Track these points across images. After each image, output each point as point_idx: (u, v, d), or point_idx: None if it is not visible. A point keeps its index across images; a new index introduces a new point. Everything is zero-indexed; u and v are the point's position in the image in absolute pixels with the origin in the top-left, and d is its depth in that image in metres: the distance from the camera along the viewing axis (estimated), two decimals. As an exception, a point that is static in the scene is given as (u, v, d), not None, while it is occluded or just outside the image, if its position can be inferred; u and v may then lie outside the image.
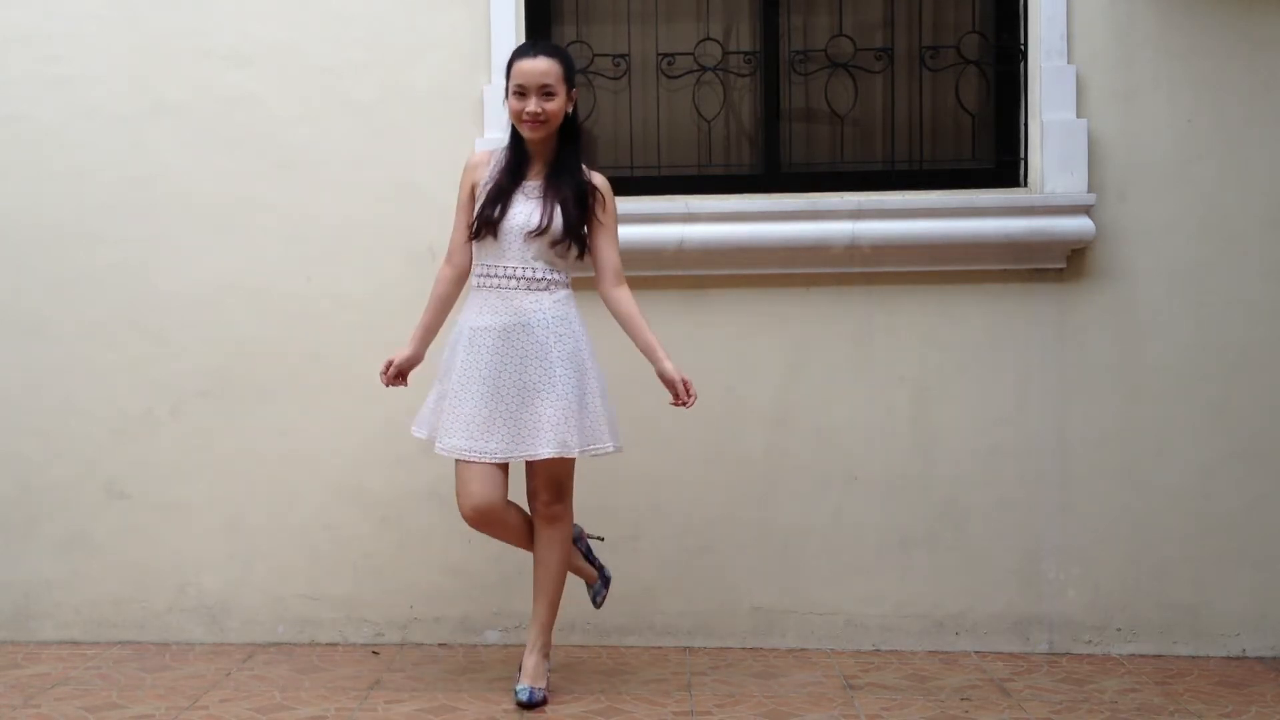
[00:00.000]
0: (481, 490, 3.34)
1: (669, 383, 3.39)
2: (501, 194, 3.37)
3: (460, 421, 3.34)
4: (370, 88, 4.01)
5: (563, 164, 3.40)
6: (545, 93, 3.33)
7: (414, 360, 3.52)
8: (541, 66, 3.33)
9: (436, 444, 3.38)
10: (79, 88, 4.03)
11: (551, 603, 3.48)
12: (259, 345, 4.03)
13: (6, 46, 4.04)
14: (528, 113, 3.33)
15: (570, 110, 3.41)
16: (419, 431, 3.48)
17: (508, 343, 3.34)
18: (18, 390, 4.07)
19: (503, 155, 3.46)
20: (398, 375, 3.50)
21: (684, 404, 3.40)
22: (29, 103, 4.04)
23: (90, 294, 4.05)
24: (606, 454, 3.39)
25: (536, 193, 3.38)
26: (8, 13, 4.04)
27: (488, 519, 3.39)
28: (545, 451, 3.31)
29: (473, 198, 3.45)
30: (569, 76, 3.38)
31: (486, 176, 3.43)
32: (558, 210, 3.34)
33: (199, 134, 4.03)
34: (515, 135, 3.45)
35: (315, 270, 4.03)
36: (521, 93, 3.34)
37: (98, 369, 4.05)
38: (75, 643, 4.05)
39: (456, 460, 3.36)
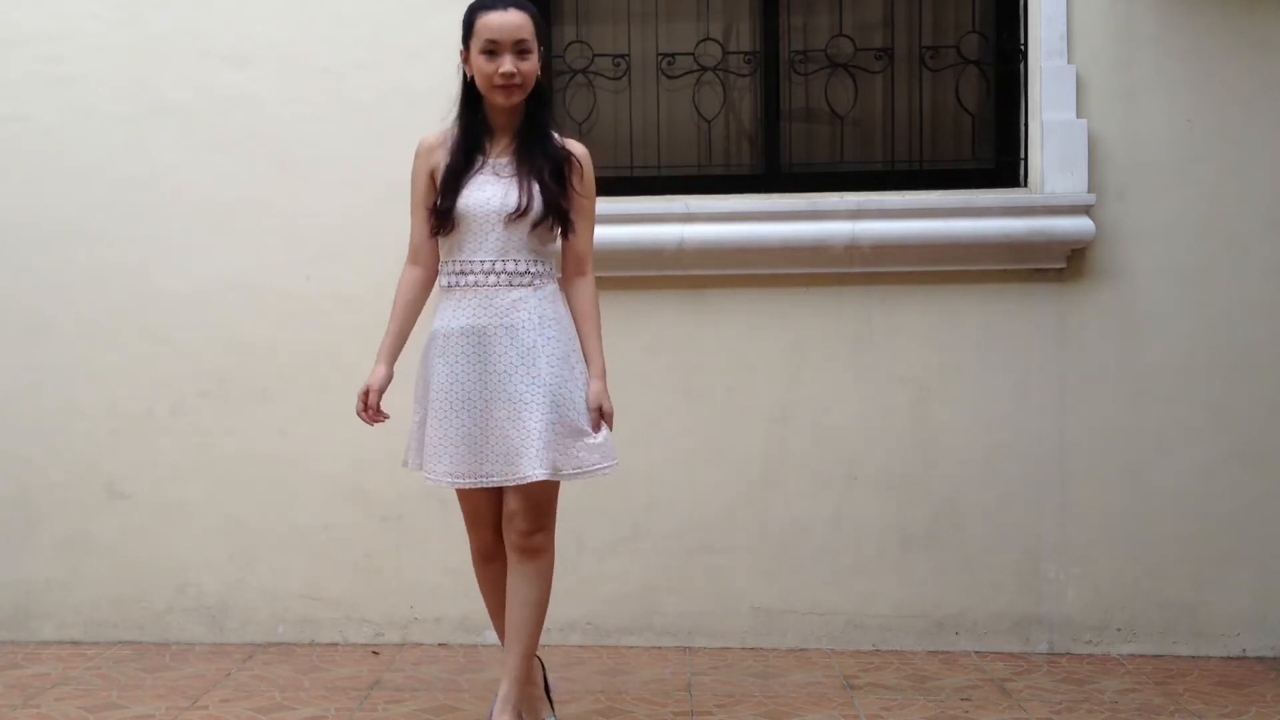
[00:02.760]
0: (490, 527, 3.03)
1: (591, 401, 2.97)
2: (458, 178, 2.93)
3: (449, 443, 2.92)
4: (370, 88, 4.01)
5: (533, 133, 2.96)
6: (521, 50, 2.88)
7: (388, 379, 3.05)
8: (515, 20, 2.89)
9: (425, 472, 2.97)
10: (79, 88, 4.03)
11: (528, 651, 2.99)
12: (259, 345, 4.03)
13: (6, 46, 4.04)
14: (502, 74, 2.87)
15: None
16: (412, 462, 3.07)
17: (488, 347, 2.92)
18: (18, 390, 4.07)
19: (454, 132, 3.01)
20: (378, 408, 3.04)
21: (593, 432, 2.96)
22: (29, 103, 4.04)
23: (90, 294, 4.05)
24: (602, 474, 2.98)
25: (508, 170, 2.94)
26: (8, 13, 4.04)
27: (498, 555, 3.06)
28: (536, 474, 2.86)
29: (432, 186, 3.00)
30: (540, 33, 2.95)
31: (443, 159, 2.99)
32: (535, 186, 2.90)
33: (199, 134, 4.03)
34: (468, 108, 3.00)
35: (315, 270, 4.03)
36: (492, 51, 2.88)
37: (98, 369, 4.05)
38: (75, 643, 4.06)
39: (459, 491, 3.00)
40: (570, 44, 4.07)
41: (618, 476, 3.85)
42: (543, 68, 3.00)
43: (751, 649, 4.00)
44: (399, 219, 3.96)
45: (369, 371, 3.08)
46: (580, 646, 3.90)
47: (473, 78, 2.96)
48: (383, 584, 4.05)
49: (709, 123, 4.13)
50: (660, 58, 4.10)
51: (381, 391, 3.04)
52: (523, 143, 2.96)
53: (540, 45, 2.95)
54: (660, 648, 4.00)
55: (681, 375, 3.97)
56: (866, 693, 3.59)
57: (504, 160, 2.97)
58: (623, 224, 3.83)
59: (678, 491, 4.02)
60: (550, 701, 3.21)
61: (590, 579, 3.96)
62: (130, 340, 4.05)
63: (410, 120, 3.97)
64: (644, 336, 3.91)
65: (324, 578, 4.06)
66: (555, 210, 2.93)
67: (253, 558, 4.06)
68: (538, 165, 2.93)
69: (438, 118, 3.94)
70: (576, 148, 3.03)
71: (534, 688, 3.14)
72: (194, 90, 4.02)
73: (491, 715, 3.04)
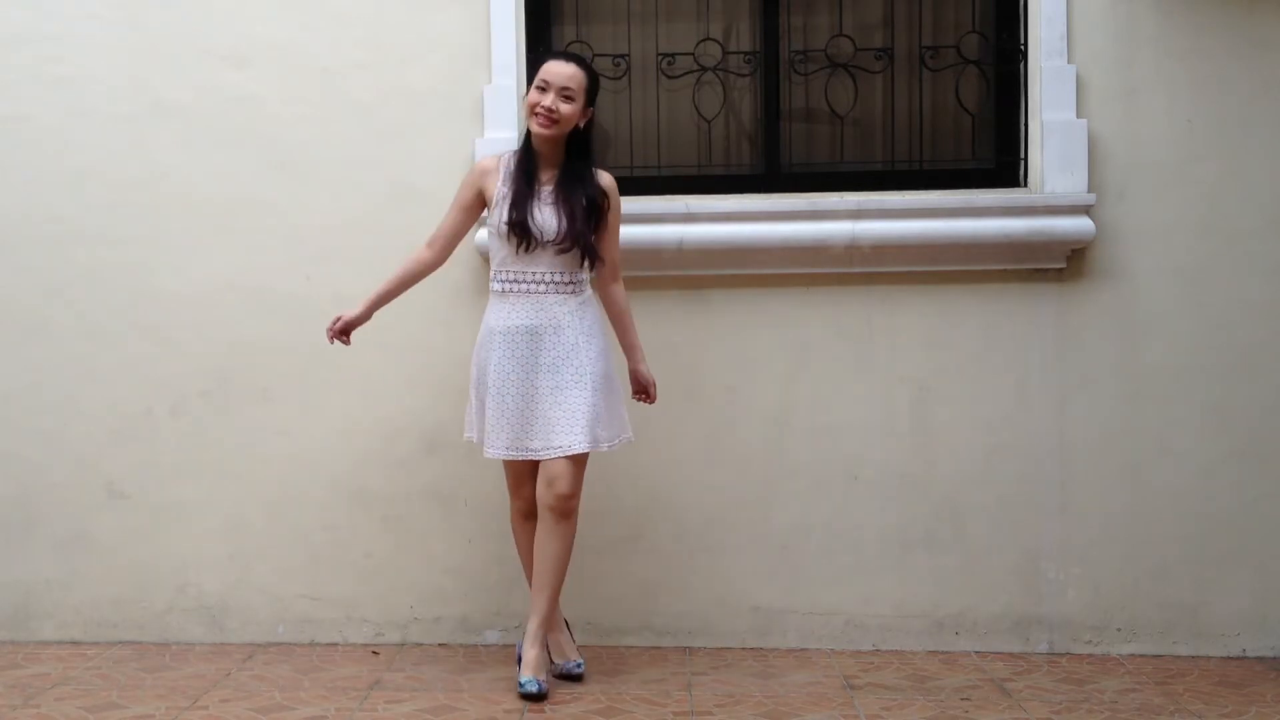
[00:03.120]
0: (532, 490, 3.56)
1: (641, 381, 3.68)
2: (525, 198, 3.47)
3: (505, 424, 3.48)
4: (370, 88, 4.01)
5: (572, 172, 3.52)
6: (565, 95, 3.46)
7: (361, 321, 3.63)
8: (568, 70, 3.49)
9: (486, 448, 3.53)
10: (79, 88, 4.03)
11: (553, 595, 3.53)
12: (259, 345, 4.03)
13: (6, 46, 4.04)
14: (542, 106, 3.45)
15: (582, 125, 3.52)
16: (470, 434, 3.64)
17: (541, 342, 3.48)
18: (18, 390, 4.07)
19: (513, 159, 3.56)
20: (343, 332, 3.61)
21: (645, 401, 3.72)
22: (29, 103, 4.04)
23: (90, 294, 4.05)
24: (627, 443, 3.60)
25: (550, 199, 3.49)
26: (8, 13, 4.04)
27: (534, 517, 3.57)
28: (580, 446, 3.44)
29: (479, 201, 3.57)
30: (591, 90, 3.53)
31: (500, 182, 3.51)
32: (570, 219, 3.46)
33: (199, 134, 4.03)
34: (526, 140, 3.56)
35: (315, 270, 4.03)
36: (543, 88, 3.47)
37: (98, 369, 4.05)
38: (75, 643, 4.05)
39: (505, 461, 3.55)
40: (570, 44, 4.07)
41: (618, 476, 3.89)
42: (591, 122, 3.56)
43: (751, 649, 4.00)
44: (399, 219, 3.99)
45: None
46: (580, 646, 3.90)
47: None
48: (383, 584, 4.05)
49: (709, 123, 4.13)
50: (660, 58, 4.10)
51: (349, 326, 3.62)
52: (562, 178, 3.51)
53: (589, 103, 3.51)
54: (660, 648, 4.00)
55: (681, 375, 3.97)
56: (866, 693, 3.59)
57: (547, 189, 3.51)
58: (623, 224, 3.82)
59: (678, 491, 4.02)
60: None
61: (590, 579, 3.96)
62: (130, 340, 4.05)
63: (410, 120, 4.00)
64: (644, 336, 3.88)
65: (324, 578, 4.06)
66: (580, 242, 3.48)
67: (253, 558, 4.06)
68: (572, 201, 3.48)
69: (438, 118, 4.00)
70: (605, 179, 3.58)
71: (560, 633, 3.67)
72: (194, 90, 4.02)
73: (520, 649, 3.57)
